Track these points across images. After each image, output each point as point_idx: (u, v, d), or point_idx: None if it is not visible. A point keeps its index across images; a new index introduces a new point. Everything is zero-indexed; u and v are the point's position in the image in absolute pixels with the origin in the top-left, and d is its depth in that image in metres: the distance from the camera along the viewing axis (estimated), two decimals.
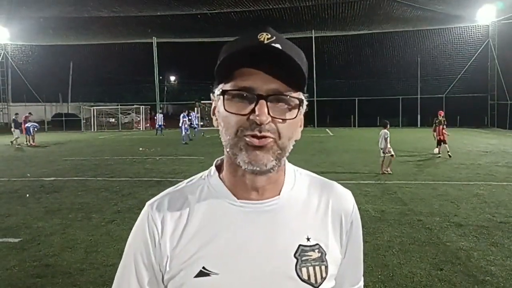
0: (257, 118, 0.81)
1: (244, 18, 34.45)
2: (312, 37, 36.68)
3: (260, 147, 0.84)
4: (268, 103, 0.83)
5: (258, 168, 0.85)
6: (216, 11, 34.26)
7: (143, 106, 41.45)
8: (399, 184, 9.87)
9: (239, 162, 0.86)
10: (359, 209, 1.03)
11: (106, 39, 38.17)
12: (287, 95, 0.84)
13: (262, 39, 0.83)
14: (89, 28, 36.04)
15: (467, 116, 32.58)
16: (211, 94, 0.93)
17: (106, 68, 42.11)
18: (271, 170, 0.87)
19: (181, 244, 0.89)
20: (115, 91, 44.81)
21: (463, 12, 31.32)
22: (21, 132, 22.89)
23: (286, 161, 0.98)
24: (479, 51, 34.01)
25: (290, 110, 0.86)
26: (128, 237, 0.97)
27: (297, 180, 0.98)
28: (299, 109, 0.88)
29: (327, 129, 33.26)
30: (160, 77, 43.01)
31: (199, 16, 35.40)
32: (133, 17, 35.20)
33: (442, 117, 17.22)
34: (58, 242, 5.90)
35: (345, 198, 1.01)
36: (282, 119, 0.85)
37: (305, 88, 0.90)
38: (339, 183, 1.04)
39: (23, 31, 35.88)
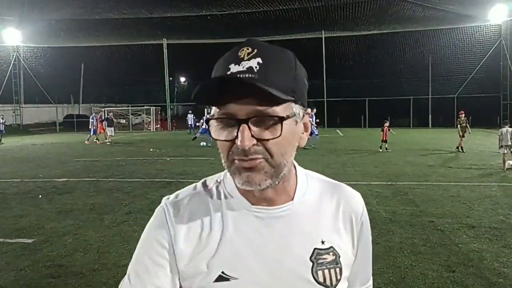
0: (239, 144, 0.81)
1: (254, 19, 34.48)
2: (322, 37, 36.62)
3: (250, 169, 0.84)
4: (251, 126, 0.82)
5: (253, 188, 0.85)
6: (226, 12, 34.32)
7: (154, 107, 41.65)
8: (411, 185, 9.81)
9: (237, 184, 0.87)
10: (370, 210, 1.05)
11: (117, 41, 38.45)
12: (268, 114, 0.82)
13: (242, 55, 0.83)
14: (100, 30, 36.31)
15: (479, 116, 32.25)
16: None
17: (117, 70, 42.34)
18: (269, 189, 0.88)
19: (199, 248, 0.90)
20: (126, 92, 45.06)
21: (475, 11, 31.04)
22: (95, 132, 24.64)
23: (297, 165, 0.99)
24: (491, 51, 33.66)
25: (274, 128, 0.83)
26: (140, 238, 0.98)
27: (309, 185, 0.99)
28: (282, 125, 0.83)
29: (337, 130, 33.17)
30: (170, 78, 43.19)
31: (209, 17, 35.48)
32: (143, 18, 35.40)
33: (464, 117, 17.31)
34: (71, 242, 5.96)
35: (355, 200, 1.02)
36: (267, 139, 0.83)
37: (303, 95, 0.88)
38: (349, 184, 1.06)
39: (35, 33, 36.24)
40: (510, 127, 12.84)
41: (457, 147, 17.08)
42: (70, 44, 38.25)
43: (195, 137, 21.87)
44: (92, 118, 24.88)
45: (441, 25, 33.55)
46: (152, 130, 40.17)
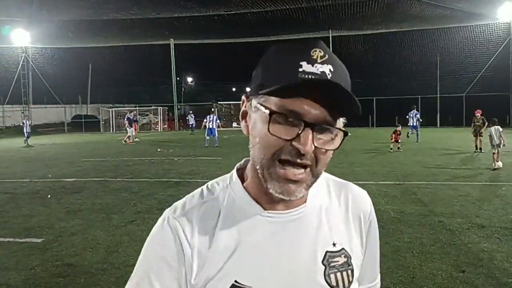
0: (301, 147, 0.78)
1: (261, 19, 34.46)
2: (329, 36, 36.50)
3: (294, 181, 0.81)
4: (314, 132, 0.79)
5: (288, 198, 0.83)
6: (233, 12, 34.33)
7: (161, 107, 41.77)
8: (419, 185, 9.75)
9: (268, 188, 0.83)
10: (378, 210, 1.04)
11: (124, 41, 38.57)
12: (335, 125, 0.81)
13: (315, 57, 0.79)
14: (107, 31, 36.46)
15: (488, 115, 31.59)
16: (243, 96, 0.90)
17: (124, 70, 42.56)
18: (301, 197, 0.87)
19: (210, 259, 0.86)
20: (133, 92, 45.24)
21: (484, 9, 30.80)
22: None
23: None
24: (500, 49, 33.39)
25: (333, 140, 0.82)
26: (142, 252, 0.92)
27: (319, 186, 0.97)
28: (342, 141, 0.84)
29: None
30: (178, 79, 43.29)
31: (216, 17, 35.53)
32: (151, 19, 35.50)
33: (481, 115, 17.21)
34: (80, 242, 5.99)
35: (363, 199, 1.01)
36: (324, 150, 0.82)
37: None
38: (358, 183, 1.04)
39: (44, 34, 36.47)
40: (497, 125, 13.16)
41: (476, 148, 16.71)
42: (78, 44, 38.43)
43: (206, 146, 20.96)
44: (128, 118, 25.23)
45: (449, 23, 33.31)
46: (159, 130, 40.31)
